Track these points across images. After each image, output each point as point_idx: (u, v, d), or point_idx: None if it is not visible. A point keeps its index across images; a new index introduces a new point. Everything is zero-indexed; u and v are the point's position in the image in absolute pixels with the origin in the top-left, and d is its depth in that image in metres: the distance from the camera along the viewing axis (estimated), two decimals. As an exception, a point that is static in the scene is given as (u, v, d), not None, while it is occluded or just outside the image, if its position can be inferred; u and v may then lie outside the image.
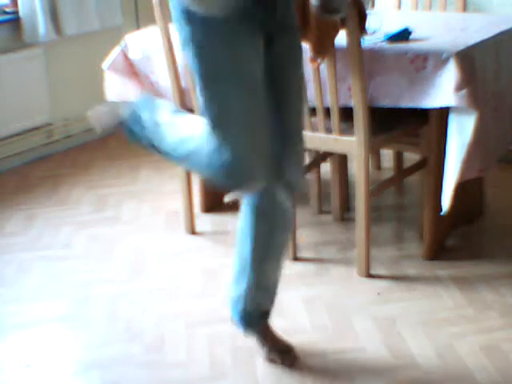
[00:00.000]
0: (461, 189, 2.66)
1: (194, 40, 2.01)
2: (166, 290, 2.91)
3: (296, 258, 3.06)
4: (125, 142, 4.86)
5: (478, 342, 2.47)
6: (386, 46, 2.73)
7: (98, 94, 3.63)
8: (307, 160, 3.23)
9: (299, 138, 2.21)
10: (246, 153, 2.04)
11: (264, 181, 2.11)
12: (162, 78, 3.21)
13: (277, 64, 2.11)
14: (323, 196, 3.46)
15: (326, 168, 3.46)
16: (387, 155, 3.85)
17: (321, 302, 2.75)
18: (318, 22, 2.54)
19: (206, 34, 2.00)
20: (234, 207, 3.50)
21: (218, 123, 2.03)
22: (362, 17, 2.56)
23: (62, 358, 2.55)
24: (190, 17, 1.99)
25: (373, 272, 2.93)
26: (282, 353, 2.39)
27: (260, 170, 2.08)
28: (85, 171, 4.23)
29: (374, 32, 2.85)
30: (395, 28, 2.85)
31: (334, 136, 2.80)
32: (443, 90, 2.57)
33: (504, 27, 2.91)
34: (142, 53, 3.23)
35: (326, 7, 2.15)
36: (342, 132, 2.78)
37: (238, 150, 2.03)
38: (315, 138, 2.84)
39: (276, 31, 2.09)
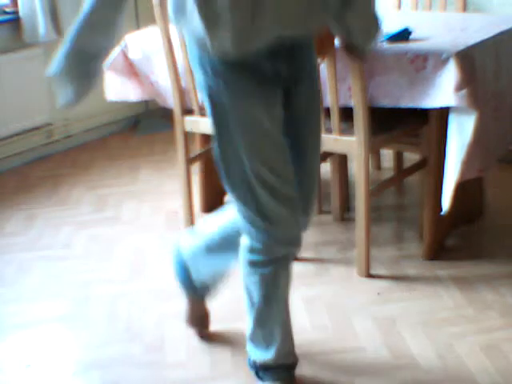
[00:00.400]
0: (461, 189, 2.66)
1: (206, 87, 1.96)
2: (166, 290, 2.91)
3: (296, 258, 3.05)
4: (125, 142, 4.88)
5: (478, 342, 2.47)
6: (386, 45, 2.73)
7: (98, 94, 3.62)
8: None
9: (314, 181, 2.16)
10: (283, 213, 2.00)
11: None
12: (162, 77, 3.21)
13: (295, 115, 2.04)
14: (323, 196, 3.46)
15: (326, 168, 3.46)
16: (387, 155, 3.85)
17: (321, 302, 2.75)
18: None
19: (215, 83, 1.93)
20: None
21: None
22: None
23: (62, 358, 2.55)
24: (203, 63, 1.93)
25: (373, 272, 2.93)
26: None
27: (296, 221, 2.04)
28: (85, 171, 4.23)
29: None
30: (395, 28, 2.85)
31: (334, 136, 2.80)
32: (443, 90, 2.57)
33: (504, 27, 2.91)
34: (142, 53, 3.23)
35: (350, 47, 2.15)
36: (342, 132, 2.78)
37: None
38: (315, 138, 2.84)
39: (294, 83, 2.01)
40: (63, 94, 1.96)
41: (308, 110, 2.06)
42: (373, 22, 2.12)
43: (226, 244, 2.27)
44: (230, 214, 2.22)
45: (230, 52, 1.84)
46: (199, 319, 2.58)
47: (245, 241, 2.08)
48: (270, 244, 2.02)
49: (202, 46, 1.89)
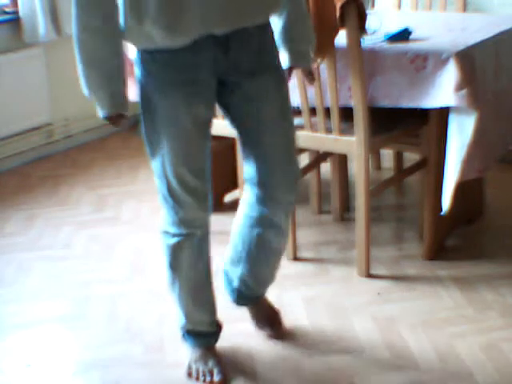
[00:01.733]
0: (461, 189, 2.66)
1: (138, 81, 2.22)
2: (166, 289, 2.91)
3: (296, 258, 3.06)
4: (125, 142, 4.87)
5: (477, 342, 2.47)
6: (386, 46, 2.73)
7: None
8: (307, 160, 3.24)
9: (286, 165, 2.25)
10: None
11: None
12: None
13: (244, 104, 2.16)
14: (323, 196, 3.46)
15: (326, 168, 3.46)
16: (387, 155, 3.85)
17: (321, 302, 2.75)
18: (318, 23, 2.54)
19: (145, 78, 2.16)
20: (233, 207, 3.50)
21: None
22: (361, 17, 2.56)
23: (62, 358, 2.55)
24: (138, 61, 2.16)
25: (373, 272, 2.93)
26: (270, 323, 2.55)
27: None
28: (85, 171, 4.23)
29: (373, 32, 2.85)
30: (395, 28, 2.86)
31: (334, 136, 2.80)
32: (443, 90, 2.57)
33: (504, 27, 2.91)
34: (142, 53, 3.23)
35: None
36: (342, 132, 2.78)
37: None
38: (315, 137, 2.84)
39: (236, 74, 2.10)
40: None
41: (261, 98, 2.14)
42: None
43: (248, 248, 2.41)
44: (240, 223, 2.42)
45: (156, 46, 1.99)
46: (266, 319, 2.58)
47: (161, 211, 2.29)
48: (175, 220, 2.23)
49: (135, 43, 2.06)
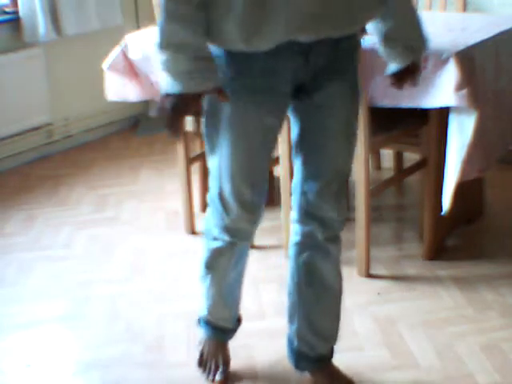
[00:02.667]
0: (461, 189, 2.66)
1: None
2: (166, 289, 2.91)
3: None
4: (125, 142, 4.88)
5: (477, 342, 2.47)
6: (386, 46, 2.72)
7: (98, 94, 3.63)
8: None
9: (338, 179, 2.09)
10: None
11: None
12: (162, 78, 3.20)
13: (313, 112, 2.02)
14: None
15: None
16: (387, 155, 3.85)
17: (321, 301, 2.75)
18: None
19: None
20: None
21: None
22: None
23: (62, 358, 2.55)
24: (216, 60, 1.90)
25: (373, 272, 2.93)
26: None
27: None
28: (85, 171, 4.23)
29: None
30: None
31: (334, 136, 2.79)
32: (443, 90, 2.57)
33: (504, 27, 2.91)
34: (142, 53, 3.23)
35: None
36: (342, 132, 2.77)
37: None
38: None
39: (314, 81, 1.96)
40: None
41: (328, 108, 2.01)
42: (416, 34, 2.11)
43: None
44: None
45: (235, 47, 1.85)
46: None
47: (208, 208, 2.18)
48: (220, 225, 2.13)
49: (214, 41, 1.88)
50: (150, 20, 3.26)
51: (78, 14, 4.36)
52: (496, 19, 3.16)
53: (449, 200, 2.64)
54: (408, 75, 2.17)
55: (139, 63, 3.26)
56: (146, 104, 4.80)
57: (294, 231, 2.16)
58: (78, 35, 4.41)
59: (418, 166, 3.05)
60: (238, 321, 2.42)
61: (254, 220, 2.11)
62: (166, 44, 1.82)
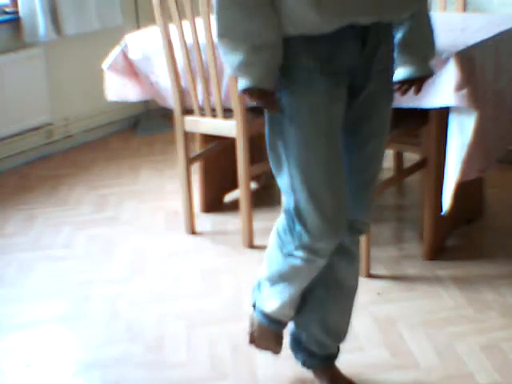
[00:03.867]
0: (461, 189, 2.66)
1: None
2: (166, 290, 2.91)
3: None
4: (125, 142, 4.88)
5: (477, 341, 2.47)
6: (386, 46, 2.72)
7: (98, 94, 3.63)
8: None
9: (371, 182, 2.05)
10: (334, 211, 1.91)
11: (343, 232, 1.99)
12: (162, 78, 3.21)
13: (356, 113, 1.95)
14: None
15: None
16: (387, 155, 3.84)
17: (321, 301, 2.75)
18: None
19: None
20: (233, 207, 3.51)
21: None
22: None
23: (62, 358, 2.55)
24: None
25: (373, 272, 2.93)
26: None
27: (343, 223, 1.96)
28: (85, 171, 4.23)
29: None
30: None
31: (334, 136, 2.79)
32: (443, 90, 2.57)
33: (504, 27, 2.91)
34: (142, 53, 3.23)
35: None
36: (342, 132, 2.77)
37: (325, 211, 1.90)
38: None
39: (360, 77, 1.89)
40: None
41: (371, 111, 1.96)
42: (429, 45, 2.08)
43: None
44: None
45: (298, 30, 1.78)
46: None
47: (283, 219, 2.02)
48: (296, 244, 1.97)
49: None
50: (150, 20, 3.26)
51: (78, 14, 4.36)
52: (496, 19, 3.16)
53: (449, 200, 2.64)
54: (418, 83, 2.10)
55: (139, 63, 3.26)
56: (145, 104, 4.80)
57: None
58: (78, 35, 4.41)
59: (418, 166, 3.05)
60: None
61: (338, 235, 1.95)
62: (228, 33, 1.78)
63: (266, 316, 2.22)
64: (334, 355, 2.28)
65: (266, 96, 1.82)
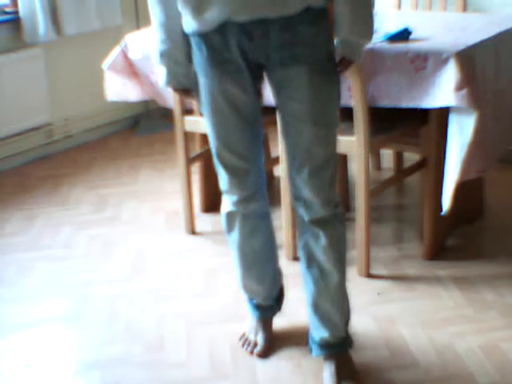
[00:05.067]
0: (461, 189, 2.66)
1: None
2: (166, 290, 2.91)
3: (296, 258, 3.06)
4: (125, 142, 4.88)
5: (477, 341, 2.47)
6: (386, 46, 2.73)
7: (98, 94, 3.63)
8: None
9: (309, 162, 2.16)
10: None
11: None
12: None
13: (276, 93, 2.17)
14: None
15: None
16: (387, 155, 3.85)
17: (321, 301, 2.75)
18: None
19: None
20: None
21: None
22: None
23: (62, 358, 2.55)
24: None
25: (373, 272, 2.93)
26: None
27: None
28: (85, 171, 4.23)
29: (373, 32, 2.84)
30: (395, 28, 2.85)
31: (334, 136, 2.79)
32: (443, 90, 2.57)
33: (504, 27, 2.91)
34: (142, 53, 3.23)
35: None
36: (342, 132, 2.77)
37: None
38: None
39: (266, 61, 2.11)
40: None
41: (289, 91, 2.11)
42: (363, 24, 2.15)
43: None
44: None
45: (192, 29, 2.10)
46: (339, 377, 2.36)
47: None
48: (222, 189, 2.34)
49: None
50: (150, 20, 3.25)
51: (78, 14, 4.36)
52: (496, 19, 3.16)
53: (449, 200, 2.64)
54: (343, 64, 2.18)
55: (139, 63, 3.26)
56: (145, 104, 4.80)
57: (296, 214, 2.30)
58: (78, 35, 4.41)
59: (418, 166, 3.05)
60: (277, 300, 2.54)
61: (244, 185, 2.28)
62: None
63: (249, 302, 2.53)
64: (333, 345, 2.32)
65: (176, 92, 2.31)
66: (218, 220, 3.46)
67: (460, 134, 2.59)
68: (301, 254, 2.33)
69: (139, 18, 4.72)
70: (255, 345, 2.47)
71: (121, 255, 3.22)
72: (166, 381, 2.38)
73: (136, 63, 3.27)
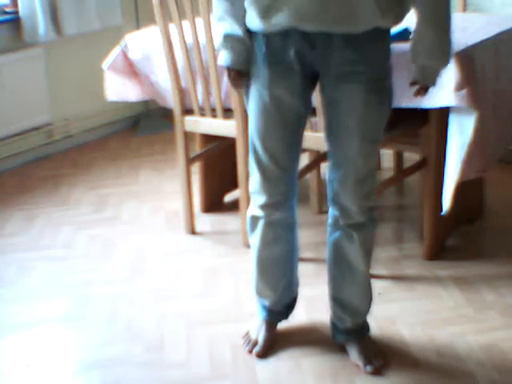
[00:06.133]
0: (461, 189, 2.66)
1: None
2: (166, 289, 2.91)
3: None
4: (125, 142, 4.88)
5: (477, 341, 2.47)
6: (386, 45, 2.72)
7: (98, 94, 3.63)
8: (307, 160, 3.24)
9: (354, 173, 2.21)
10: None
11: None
12: (162, 78, 3.21)
13: (327, 104, 2.19)
14: (323, 196, 3.46)
15: (327, 168, 3.46)
16: (387, 155, 3.85)
17: (321, 301, 2.74)
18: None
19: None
20: (233, 207, 3.51)
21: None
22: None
23: (62, 358, 2.55)
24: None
25: (373, 272, 2.93)
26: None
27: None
28: (85, 171, 4.23)
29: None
30: (395, 28, 2.84)
31: (334, 136, 2.79)
32: (443, 90, 2.57)
33: (504, 27, 2.91)
34: (142, 53, 3.23)
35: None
36: (342, 132, 2.77)
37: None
38: (315, 137, 2.84)
39: (323, 71, 2.14)
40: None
41: (341, 106, 2.14)
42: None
43: None
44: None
45: (256, 27, 2.11)
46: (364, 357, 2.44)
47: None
48: (252, 191, 2.34)
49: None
50: (150, 20, 3.26)
51: (78, 13, 4.36)
52: (496, 19, 3.15)
53: (449, 200, 2.64)
54: (419, 88, 2.25)
55: (139, 63, 3.26)
56: (145, 104, 4.81)
57: (329, 213, 2.35)
58: (78, 35, 4.42)
59: (418, 165, 3.05)
60: (287, 308, 2.54)
61: (274, 191, 2.28)
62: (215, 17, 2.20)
63: (259, 301, 2.53)
64: (356, 330, 2.42)
65: (230, 74, 2.22)
66: (218, 220, 3.49)
67: (460, 134, 2.59)
68: (329, 250, 2.37)
69: (139, 18, 4.72)
70: (255, 344, 2.48)
71: (121, 255, 3.22)
72: (166, 381, 2.38)
73: (136, 63, 3.27)
